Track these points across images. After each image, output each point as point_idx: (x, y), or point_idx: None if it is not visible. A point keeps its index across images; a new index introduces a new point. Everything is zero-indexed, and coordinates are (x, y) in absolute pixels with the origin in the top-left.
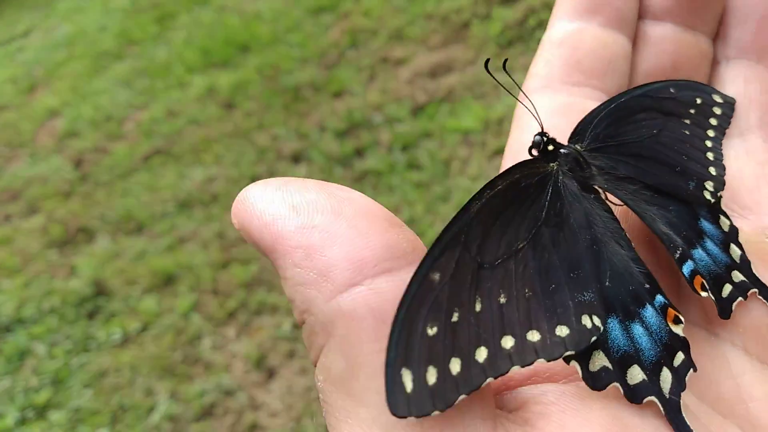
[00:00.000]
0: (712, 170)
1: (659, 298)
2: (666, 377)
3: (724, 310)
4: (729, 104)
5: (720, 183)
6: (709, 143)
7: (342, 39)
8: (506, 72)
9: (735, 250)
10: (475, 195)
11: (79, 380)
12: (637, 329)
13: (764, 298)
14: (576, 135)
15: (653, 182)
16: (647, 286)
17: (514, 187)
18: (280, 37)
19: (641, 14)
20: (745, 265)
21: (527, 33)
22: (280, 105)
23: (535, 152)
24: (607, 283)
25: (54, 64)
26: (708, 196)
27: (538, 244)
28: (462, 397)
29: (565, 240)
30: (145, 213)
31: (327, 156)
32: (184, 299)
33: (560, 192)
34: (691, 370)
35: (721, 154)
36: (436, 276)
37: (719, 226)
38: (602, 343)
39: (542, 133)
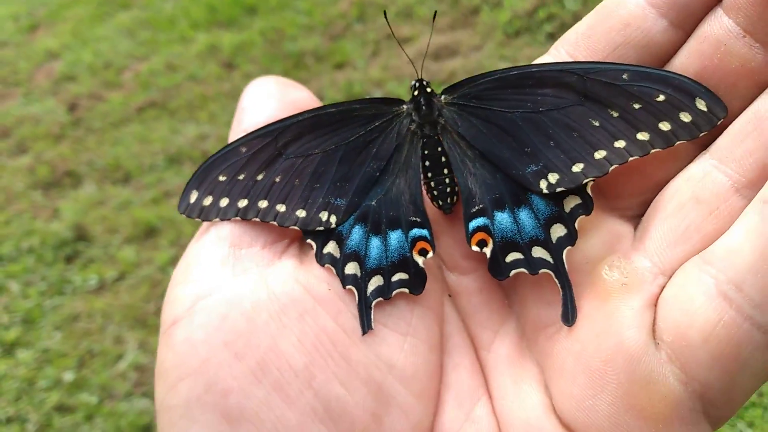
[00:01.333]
0: (578, 167)
1: (418, 231)
2: (375, 282)
3: (499, 271)
4: (709, 115)
5: (571, 181)
6: (618, 144)
7: (350, 11)
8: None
9: (557, 230)
10: (320, 107)
11: (51, 322)
12: (375, 242)
13: (557, 281)
14: (453, 87)
15: (483, 149)
16: (414, 219)
17: (353, 112)
18: (288, 2)
19: (716, 2)
20: (555, 247)
21: (535, 25)
22: (281, 70)
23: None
24: (372, 203)
25: (57, 5)
26: (543, 185)
27: (330, 155)
28: (215, 219)
29: (356, 161)
30: (133, 163)
31: None
32: (163, 253)
33: (390, 126)
34: (406, 289)
35: (620, 160)
36: (244, 149)
37: (555, 205)
38: (340, 238)
39: (419, 80)
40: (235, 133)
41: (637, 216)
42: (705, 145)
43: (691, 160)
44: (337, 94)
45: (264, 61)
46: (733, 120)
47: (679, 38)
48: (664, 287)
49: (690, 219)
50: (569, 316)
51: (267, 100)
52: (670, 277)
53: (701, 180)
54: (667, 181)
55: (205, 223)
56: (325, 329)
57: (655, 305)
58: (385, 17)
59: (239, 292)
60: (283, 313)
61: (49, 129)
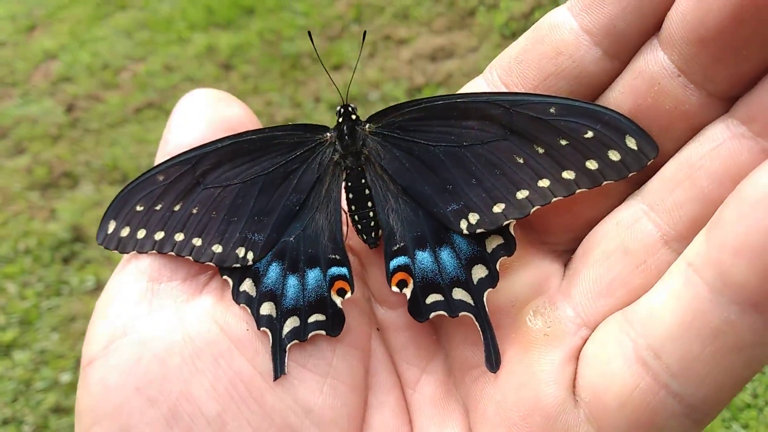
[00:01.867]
0: (498, 208)
1: (337, 270)
2: (291, 323)
3: (418, 313)
4: (639, 154)
5: (492, 223)
6: (542, 183)
7: (347, 12)
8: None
9: (478, 271)
10: (240, 133)
11: (48, 323)
12: (292, 280)
13: (478, 324)
14: (378, 115)
15: (405, 185)
16: (333, 257)
17: (274, 140)
18: (286, 3)
19: (652, 32)
20: (476, 289)
21: (532, 26)
22: (278, 71)
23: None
24: (291, 239)
25: (55, 6)
26: (463, 226)
27: (249, 186)
28: (133, 252)
29: (275, 193)
30: (131, 164)
31: None
32: None
33: (312, 155)
34: (323, 331)
35: (543, 201)
36: (161, 177)
37: (478, 245)
38: (256, 276)
39: (344, 105)
40: (161, 155)
41: (568, 251)
42: (638, 182)
43: (622, 198)
44: (334, 96)
45: (261, 62)
46: (666, 161)
47: (614, 68)
48: (587, 339)
49: (616, 271)
50: (493, 361)
51: (195, 120)
52: (594, 328)
53: (630, 227)
54: (596, 218)
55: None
56: (239, 373)
57: (578, 358)
58: (310, 38)
59: (154, 333)
60: (197, 357)
61: (47, 129)
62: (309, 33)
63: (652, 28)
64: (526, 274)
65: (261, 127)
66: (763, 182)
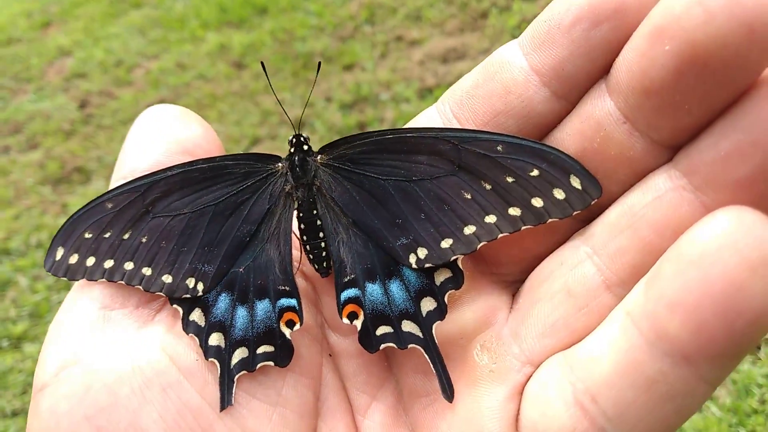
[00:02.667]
0: (446, 243)
1: (286, 301)
2: (240, 354)
3: (369, 344)
4: (583, 194)
5: (440, 257)
6: (489, 219)
7: (360, 12)
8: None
9: (427, 304)
10: (190, 162)
11: None
12: (241, 311)
13: (427, 356)
14: (330, 146)
15: (355, 218)
16: (283, 288)
17: (224, 169)
18: (299, 3)
19: (599, 76)
20: (425, 321)
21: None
22: (290, 71)
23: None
24: (240, 269)
25: (70, 3)
26: (412, 260)
27: (198, 216)
28: (82, 280)
29: (225, 223)
30: None
31: (330, 126)
32: None
33: (263, 185)
34: (271, 362)
35: (489, 237)
36: (110, 205)
37: (427, 277)
38: (206, 306)
39: (296, 135)
40: (116, 178)
41: (515, 282)
42: (584, 219)
43: (568, 234)
44: (346, 96)
45: (274, 61)
46: (610, 203)
47: (562, 108)
48: (530, 376)
49: (560, 312)
50: (447, 392)
51: (151, 142)
52: (536, 366)
53: (574, 269)
54: (543, 252)
55: None
56: (188, 404)
57: (521, 394)
58: (263, 67)
59: (104, 362)
60: (146, 387)
61: (60, 125)
62: (262, 63)
63: (600, 71)
64: (475, 305)
65: (221, 148)
66: (700, 241)
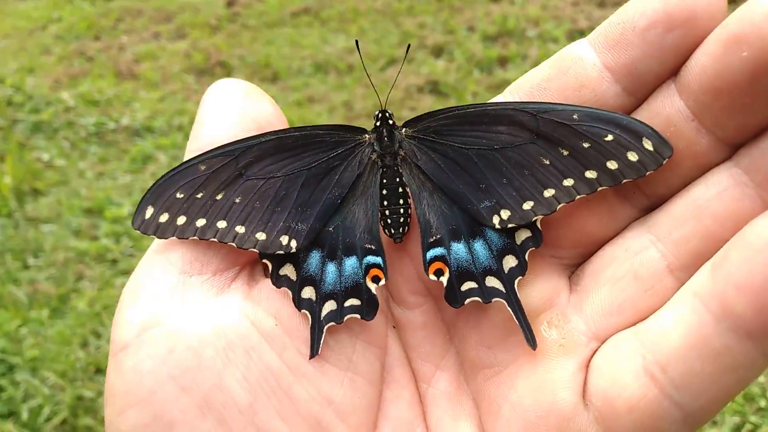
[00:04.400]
0: (528, 205)
1: (372, 259)
2: (329, 306)
3: (454, 299)
4: (655, 155)
5: (522, 218)
6: (567, 182)
7: None
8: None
9: (509, 261)
10: (283, 130)
11: None
12: (331, 267)
13: (510, 309)
14: (414, 120)
15: (441, 184)
16: (369, 246)
17: (316, 138)
18: None
19: (669, 76)
20: (508, 277)
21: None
22: None
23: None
24: (330, 229)
25: None
26: (495, 221)
27: (292, 179)
28: (158, 245)
29: (317, 187)
30: (282, 65)
31: (469, 57)
32: None
33: (352, 154)
34: (358, 315)
35: (568, 198)
36: (203, 167)
37: (508, 237)
38: (296, 262)
39: (383, 110)
40: (192, 147)
41: (573, 265)
42: (643, 208)
43: (627, 222)
44: (490, 27)
45: None
46: (670, 195)
47: (630, 104)
48: (596, 351)
49: (627, 294)
50: (530, 340)
51: (227, 117)
52: (602, 342)
53: (639, 254)
54: (602, 237)
55: (156, 241)
56: (269, 366)
57: (587, 367)
58: (357, 47)
59: (186, 325)
60: (229, 349)
61: (207, 20)
62: (356, 42)
63: (669, 72)
64: (538, 286)
65: (287, 123)
66: (765, 232)
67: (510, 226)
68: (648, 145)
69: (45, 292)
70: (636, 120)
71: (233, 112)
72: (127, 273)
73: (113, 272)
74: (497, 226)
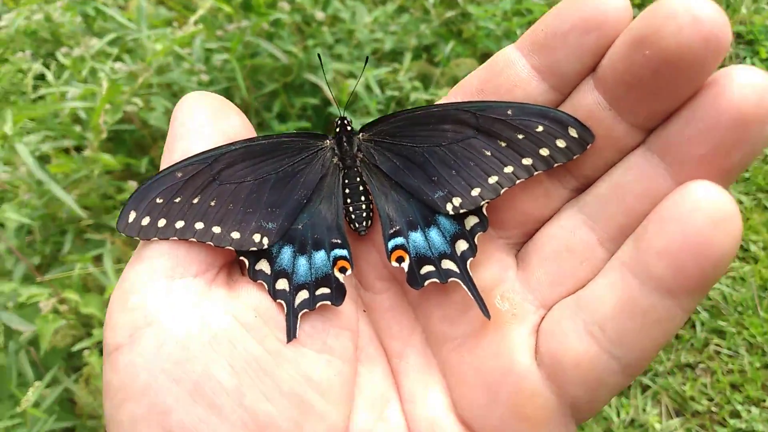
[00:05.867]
0: (476, 191)
1: (339, 252)
2: (302, 296)
3: (415, 282)
4: (580, 141)
5: (472, 203)
6: (507, 169)
7: None
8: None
9: (461, 245)
10: (251, 138)
11: None
12: (301, 260)
13: (465, 286)
14: (370, 125)
15: (397, 180)
16: (336, 241)
17: (282, 145)
18: None
19: (587, 73)
20: (461, 259)
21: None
22: None
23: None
24: (299, 226)
25: None
26: (449, 208)
27: (261, 183)
28: (155, 239)
29: (284, 189)
30: None
31: None
32: None
33: (315, 158)
34: (328, 301)
35: (510, 183)
36: (179, 174)
37: (458, 224)
38: (270, 257)
39: (342, 118)
40: (167, 160)
41: (518, 244)
42: (574, 189)
43: (563, 202)
44: None
45: None
46: (597, 176)
47: (556, 98)
48: (543, 318)
49: (565, 266)
50: (485, 312)
51: (201, 131)
52: (548, 309)
53: (572, 232)
54: (540, 217)
55: (140, 248)
56: (252, 353)
57: (536, 332)
58: (319, 58)
59: (174, 323)
60: (214, 341)
61: None
62: (318, 55)
63: (588, 69)
64: (488, 265)
65: (254, 134)
66: (677, 205)
67: (462, 211)
68: (573, 132)
69: None
70: (562, 112)
71: (206, 127)
72: None
73: None
74: (451, 213)
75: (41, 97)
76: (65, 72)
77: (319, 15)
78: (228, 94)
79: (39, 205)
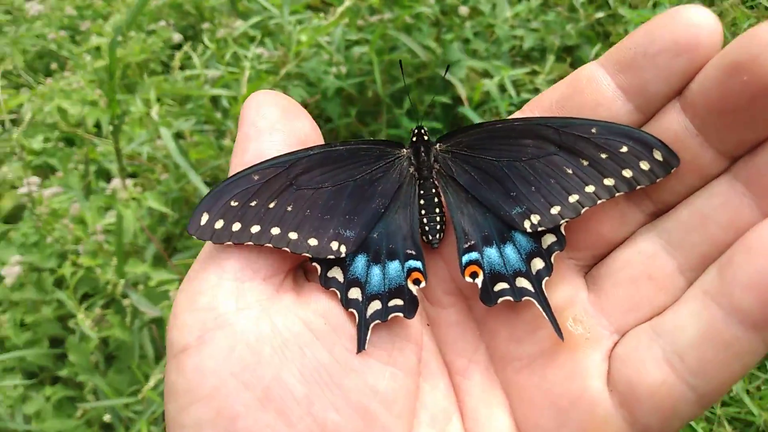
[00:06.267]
0: (555, 210)
1: (413, 263)
2: (374, 306)
3: (488, 298)
4: (665, 164)
5: (551, 222)
6: (588, 189)
7: None
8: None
9: (536, 264)
10: (329, 143)
11: None
12: (375, 270)
13: (540, 306)
14: (447, 136)
15: (474, 193)
16: (410, 252)
17: (359, 152)
18: None
19: (674, 95)
20: (536, 278)
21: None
22: None
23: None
24: (375, 235)
25: None
26: (527, 225)
27: (339, 190)
28: (228, 243)
29: (362, 197)
30: None
31: None
32: None
33: (392, 168)
34: (401, 313)
35: (591, 203)
36: (256, 177)
37: (535, 242)
38: (344, 265)
39: (418, 127)
40: (238, 161)
41: (587, 266)
42: (650, 213)
43: (634, 225)
44: None
45: None
46: (677, 202)
47: (640, 120)
48: (616, 343)
49: (643, 292)
50: (559, 333)
51: (273, 134)
52: (622, 335)
53: (651, 258)
54: (613, 240)
55: (206, 248)
56: (321, 361)
57: (609, 357)
58: (401, 67)
59: (244, 326)
60: (285, 347)
61: None
62: (400, 62)
63: (675, 92)
64: (561, 287)
65: (323, 139)
66: (765, 237)
67: (540, 229)
68: (658, 155)
69: None
70: (647, 133)
71: (277, 128)
72: None
73: None
74: (529, 230)
75: (181, 69)
76: (207, 51)
77: (463, 10)
78: (361, 87)
79: (175, 189)
